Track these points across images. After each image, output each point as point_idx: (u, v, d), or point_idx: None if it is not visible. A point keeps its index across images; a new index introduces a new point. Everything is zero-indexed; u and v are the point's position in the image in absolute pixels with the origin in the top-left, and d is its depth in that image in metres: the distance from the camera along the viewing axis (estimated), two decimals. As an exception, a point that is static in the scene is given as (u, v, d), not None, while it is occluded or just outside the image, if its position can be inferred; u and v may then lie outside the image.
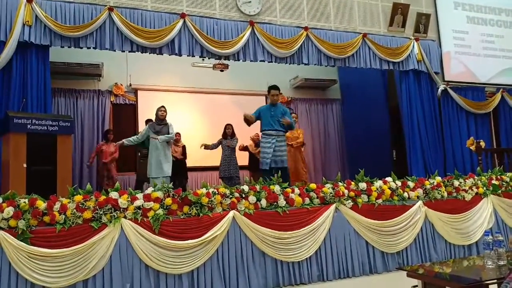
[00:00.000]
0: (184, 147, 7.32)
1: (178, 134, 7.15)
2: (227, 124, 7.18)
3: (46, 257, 3.44)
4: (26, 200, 3.56)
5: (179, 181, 6.74)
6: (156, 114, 5.88)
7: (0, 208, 3.44)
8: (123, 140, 5.93)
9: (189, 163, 7.51)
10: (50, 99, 5.38)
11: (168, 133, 5.79)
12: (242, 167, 7.42)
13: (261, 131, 5.58)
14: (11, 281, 3.36)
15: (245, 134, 7.47)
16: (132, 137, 6.03)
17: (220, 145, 7.13)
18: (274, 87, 5.57)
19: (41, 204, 3.59)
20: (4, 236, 3.37)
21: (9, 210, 3.44)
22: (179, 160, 7.07)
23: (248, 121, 5.46)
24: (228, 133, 7.11)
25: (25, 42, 5.08)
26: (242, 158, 7.58)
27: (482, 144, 6.54)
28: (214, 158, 7.37)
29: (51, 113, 5.41)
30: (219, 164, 7.13)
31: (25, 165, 4.33)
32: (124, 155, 7.36)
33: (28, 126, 4.41)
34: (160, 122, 5.83)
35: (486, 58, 8.02)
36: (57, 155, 4.56)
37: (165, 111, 5.89)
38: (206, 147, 7.14)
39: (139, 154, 6.90)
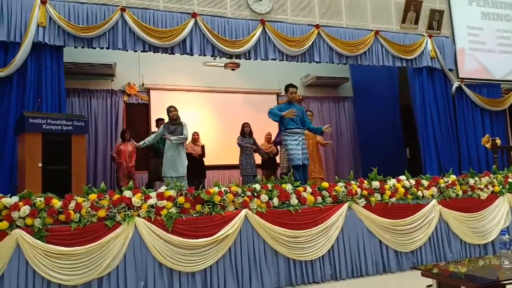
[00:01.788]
0: (203, 147, 7.35)
1: (196, 133, 7.21)
2: (245, 123, 7.17)
3: (61, 255, 3.49)
4: (42, 199, 3.62)
5: (197, 180, 6.80)
6: (168, 115, 5.86)
7: (16, 207, 3.50)
8: (140, 143, 6.04)
9: (205, 162, 7.52)
10: (65, 99, 5.43)
11: (182, 134, 5.77)
12: (257, 166, 7.41)
13: (283, 129, 5.53)
14: (28, 278, 3.42)
15: (258, 133, 7.47)
16: (147, 138, 6.10)
17: (241, 144, 7.11)
18: (292, 85, 5.56)
19: (57, 203, 3.64)
20: (21, 235, 3.43)
21: (25, 209, 3.49)
22: (198, 159, 7.10)
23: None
24: (247, 132, 7.11)
25: (40, 43, 5.15)
26: (256, 158, 7.56)
27: (498, 141, 6.45)
28: (229, 156, 7.37)
29: (66, 113, 5.47)
30: (238, 163, 7.14)
31: (40, 164, 4.39)
32: (139, 154, 7.41)
33: (43, 126, 4.47)
34: (174, 122, 5.80)
35: (501, 54, 7.88)
36: (72, 155, 4.62)
37: (176, 110, 5.85)
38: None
39: (151, 154, 6.92)
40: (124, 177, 6.94)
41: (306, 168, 5.43)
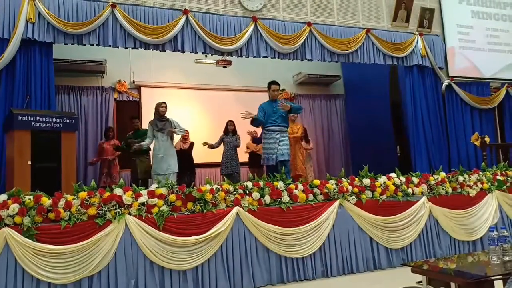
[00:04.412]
0: (192, 144, 7.32)
1: (186, 131, 7.15)
2: (229, 121, 7.18)
3: (51, 253, 3.46)
4: (31, 197, 3.58)
5: (188, 177, 6.77)
6: (157, 110, 5.76)
7: (5, 205, 3.46)
8: (141, 144, 5.83)
9: (196, 159, 7.50)
10: (54, 96, 5.38)
11: (174, 128, 5.72)
12: (243, 164, 7.42)
13: (263, 127, 5.56)
14: (17, 277, 3.38)
15: (246, 132, 7.46)
16: (144, 143, 5.83)
17: (222, 142, 7.14)
18: (274, 82, 5.58)
19: (46, 201, 3.60)
20: (10, 233, 3.39)
21: (14, 207, 3.45)
22: (186, 155, 7.06)
23: (257, 121, 5.45)
24: (230, 130, 7.11)
25: (29, 39, 5.08)
26: (244, 155, 7.57)
27: (487, 139, 6.52)
28: (218, 154, 7.37)
29: (55, 110, 5.41)
30: (220, 161, 7.14)
31: (29, 162, 4.35)
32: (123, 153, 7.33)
33: (32, 123, 4.42)
34: (162, 119, 5.75)
35: (490, 53, 7.97)
36: (62, 152, 4.58)
37: (166, 107, 5.81)
38: (210, 146, 7.15)
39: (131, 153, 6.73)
40: (103, 176, 6.89)
41: (287, 163, 5.40)
